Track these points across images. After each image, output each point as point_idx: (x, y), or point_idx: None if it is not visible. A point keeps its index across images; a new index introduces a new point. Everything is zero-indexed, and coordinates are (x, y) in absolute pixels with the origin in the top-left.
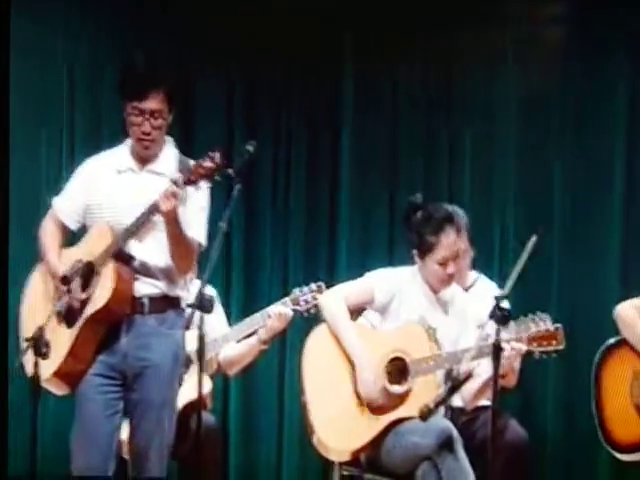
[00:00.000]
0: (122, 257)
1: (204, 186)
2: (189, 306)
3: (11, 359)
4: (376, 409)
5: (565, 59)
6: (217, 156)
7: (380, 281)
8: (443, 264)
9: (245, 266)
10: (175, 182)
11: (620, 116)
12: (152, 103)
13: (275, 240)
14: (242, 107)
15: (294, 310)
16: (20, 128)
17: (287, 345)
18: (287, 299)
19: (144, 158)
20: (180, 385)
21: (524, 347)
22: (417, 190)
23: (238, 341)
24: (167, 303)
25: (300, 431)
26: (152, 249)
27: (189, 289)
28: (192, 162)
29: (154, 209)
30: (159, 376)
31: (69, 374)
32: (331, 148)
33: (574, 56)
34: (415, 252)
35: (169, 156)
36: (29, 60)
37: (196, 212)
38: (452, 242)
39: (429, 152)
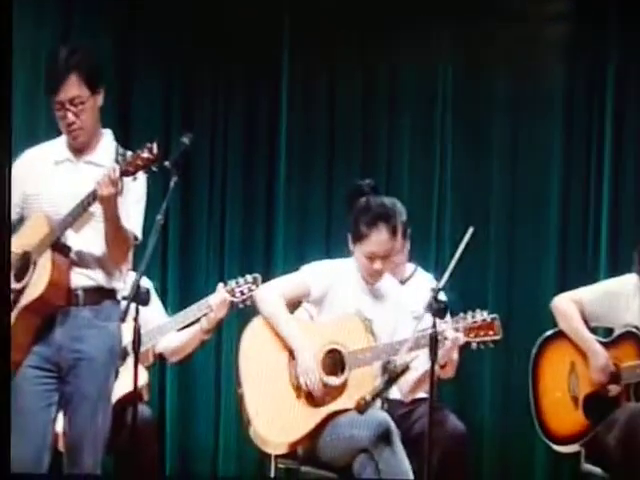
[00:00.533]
0: (59, 247)
1: (141, 178)
2: (125, 298)
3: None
4: (313, 401)
5: (500, 56)
6: (154, 147)
7: (316, 274)
8: (371, 258)
9: (181, 258)
10: (113, 170)
11: (556, 113)
12: (67, 92)
13: (211, 232)
14: (179, 99)
15: (230, 302)
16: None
17: (223, 337)
18: (223, 290)
19: (79, 148)
20: (116, 378)
21: (462, 337)
22: (354, 177)
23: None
24: (102, 295)
25: (237, 424)
26: (89, 240)
27: (125, 280)
28: (130, 153)
29: (93, 196)
30: (94, 368)
31: None
32: (268, 140)
33: (512, 52)
34: (349, 236)
35: (107, 147)
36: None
37: (133, 204)
38: (383, 240)
39: (367, 144)
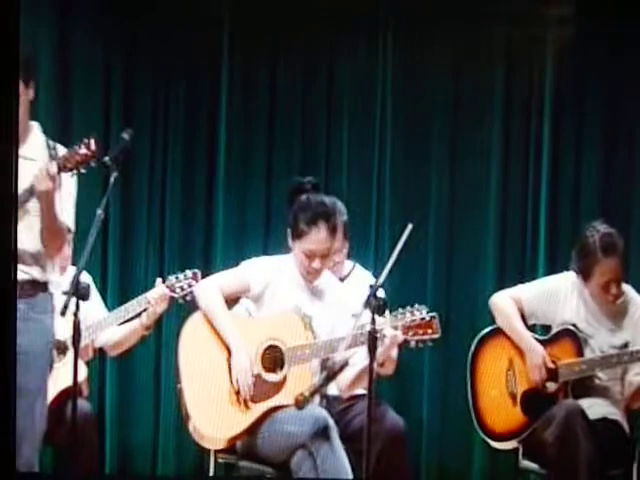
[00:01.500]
0: None
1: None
2: (65, 293)
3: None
4: (252, 397)
5: (440, 57)
6: (92, 143)
7: (255, 270)
8: (309, 257)
9: (121, 253)
10: (51, 166)
11: (495, 115)
12: None
13: (151, 228)
14: (119, 94)
15: (170, 297)
16: None
17: (163, 332)
18: (163, 285)
19: None
20: (50, 371)
21: (400, 336)
22: (293, 175)
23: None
24: (36, 288)
25: (176, 419)
26: (23, 235)
27: (58, 272)
28: (60, 147)
29: (30, 192)
30: (30, 362)
31: None
32: (208, 135)
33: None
34: (289, 232)
35: (37, 141)
36: None
37: (66, 196)
38: (322, 239)
39: (306, 140)
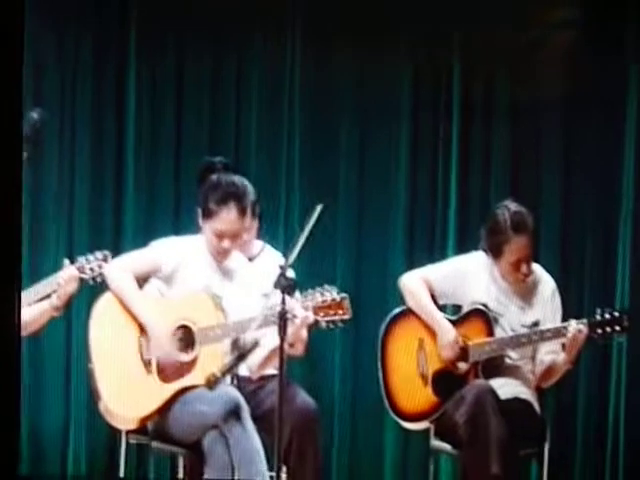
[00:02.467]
0: None
1: None
2: None
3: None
4: (163, 377)
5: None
6: None
7: (165, 250)
8: (219, 237)
9: (30, 234)
10: None
11: (405, 95)
12: None
13: (61, 209)
14: (29, 73)
15: (80, 279)
16: None
17: (73, 313)
18: (72, 267)
19: None
20: None
21: (311, 316)
22: (203, 154)
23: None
24: None
25: (88, 399)
26: None
27: None
28: None
29: None
30: None
31: None
32: (116, 115)
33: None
34: (199, 212)
35: None
36: None
37: None
38: (232, 219)
39: (215, 122)
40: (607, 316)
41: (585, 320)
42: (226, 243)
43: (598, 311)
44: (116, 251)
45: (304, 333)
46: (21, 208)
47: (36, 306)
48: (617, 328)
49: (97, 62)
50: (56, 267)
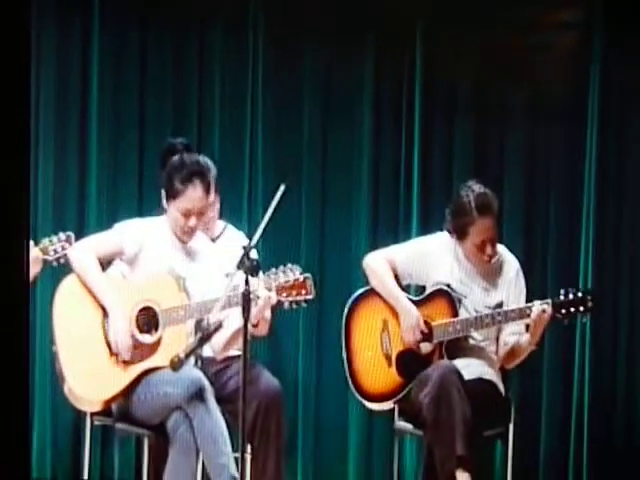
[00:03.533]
0: None
1: None
2: None
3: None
4: (127, 359)
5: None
6: None
7: (128, 232)
8: (186, 215)
9: None
10: None
11: (367, 76)
12: None
13: None
14: None
15: (44, 260)
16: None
17: (37, 294)
18: (36, 248)
19: None
20: None
21: (274, 297)
22: (166, 135)
23: None
24: None
25: (52, 381)
26: None
27: None
28: None
29: None
30: None
31: None
32: (80, 97)
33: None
34: (163, 194)
35: None
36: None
37: None
38: (198, 197)
39: (177, 103)
40: (571, 296)
41: (549, 300)
42: (192, 221)
43: (562, 291)
44: (80, 233)
45: (268, 313)
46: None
47: None
48: (581, 308)
49: (60, 46)
50: None
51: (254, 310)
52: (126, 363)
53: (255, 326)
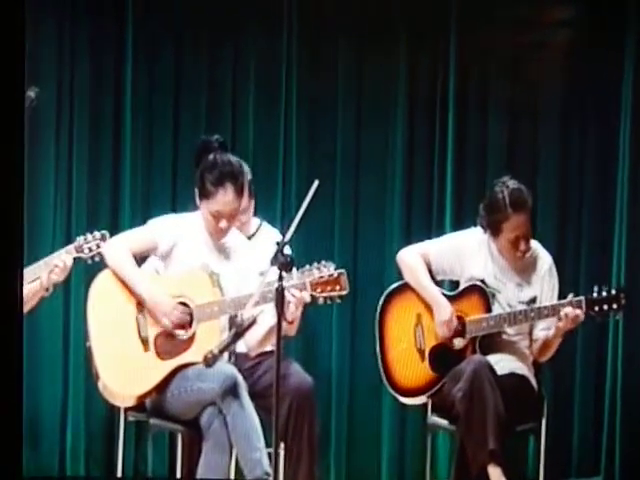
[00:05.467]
0: None
1: None
2: None
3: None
4: (161, 354)
5: None
6: None
7: (162, 228)
8: (216, 217)
9: (28, 215)
10: None
11: (402, 72)
12: None
13: (59, 189)
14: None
15: (78, 258)
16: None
17: (71, 292)
18: (71, 247)
19: None
20: None
21: (307, 296)
22: (200, 133)
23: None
24: None
25: (86, 377)
26: None
27: None
28: None
29: None
30: None
31: None
32: (114, 95)
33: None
34: (196, 192)
35: None
36: None
37: None
38: (229, 200)
39: (212, 100)
40: (604, 294)
41: (582, 298)
42: (223, 223)
43: (595, 289)
44: (114, 231)
45: (299, 313)
46: (23, 191)
47: (28, 287)
48: (614, 306)
49: (95, 47)
50: (54, 247)
51: (288, 309)
52: (160, 358)
53: (290, 323)
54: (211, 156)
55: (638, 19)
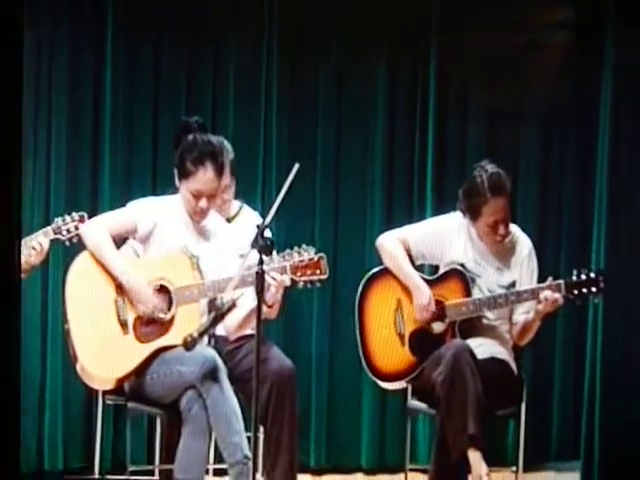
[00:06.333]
0: None
1: None
2: None
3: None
4: (140, 337)
5: None
6: None
7: (142, 210)
8: (196, 196)
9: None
10: None
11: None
12: None
13: (37, 170)
14: None
15: (56, 239)
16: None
17: (49, 274)
18: (49, 228)
19: None
20: None
21: (287, 280)
22: (179, 115)
23: None
24: None
25: (64, 360)
26: None
27: None
28: None
29: None
30: None
31: None
32: (93, 75)
33: None
34: (176, 173)
35: None
36: None
37: None
38: (209, 179)
39: (192, 81)
40: (583, 277)
41: (561, 281)
42: (203, 203)
43: (574, 272)
44: (93, 213)
45: (279, 297)
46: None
47: None
48: (593, 289)
49: (74, 28)
50: (32, 229)
51: (268, 294)
52: (139, 341)
53: (270, 307)
54: (191, 136)
55: (617, 20)
